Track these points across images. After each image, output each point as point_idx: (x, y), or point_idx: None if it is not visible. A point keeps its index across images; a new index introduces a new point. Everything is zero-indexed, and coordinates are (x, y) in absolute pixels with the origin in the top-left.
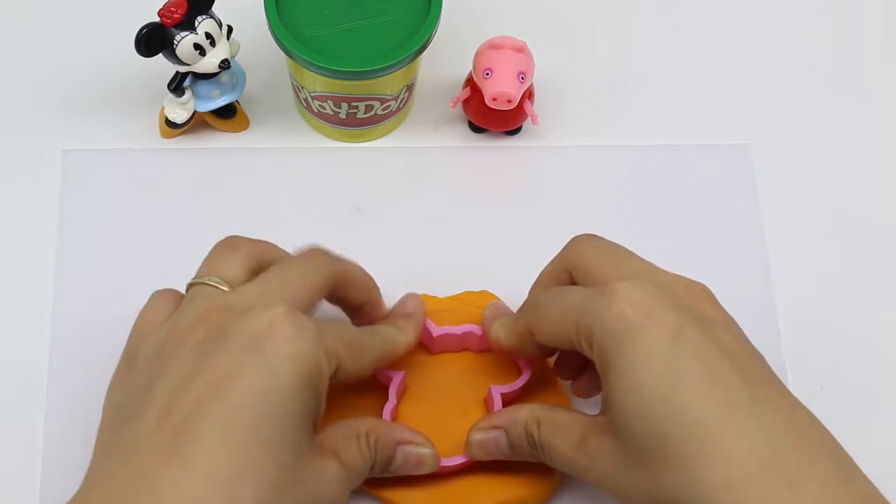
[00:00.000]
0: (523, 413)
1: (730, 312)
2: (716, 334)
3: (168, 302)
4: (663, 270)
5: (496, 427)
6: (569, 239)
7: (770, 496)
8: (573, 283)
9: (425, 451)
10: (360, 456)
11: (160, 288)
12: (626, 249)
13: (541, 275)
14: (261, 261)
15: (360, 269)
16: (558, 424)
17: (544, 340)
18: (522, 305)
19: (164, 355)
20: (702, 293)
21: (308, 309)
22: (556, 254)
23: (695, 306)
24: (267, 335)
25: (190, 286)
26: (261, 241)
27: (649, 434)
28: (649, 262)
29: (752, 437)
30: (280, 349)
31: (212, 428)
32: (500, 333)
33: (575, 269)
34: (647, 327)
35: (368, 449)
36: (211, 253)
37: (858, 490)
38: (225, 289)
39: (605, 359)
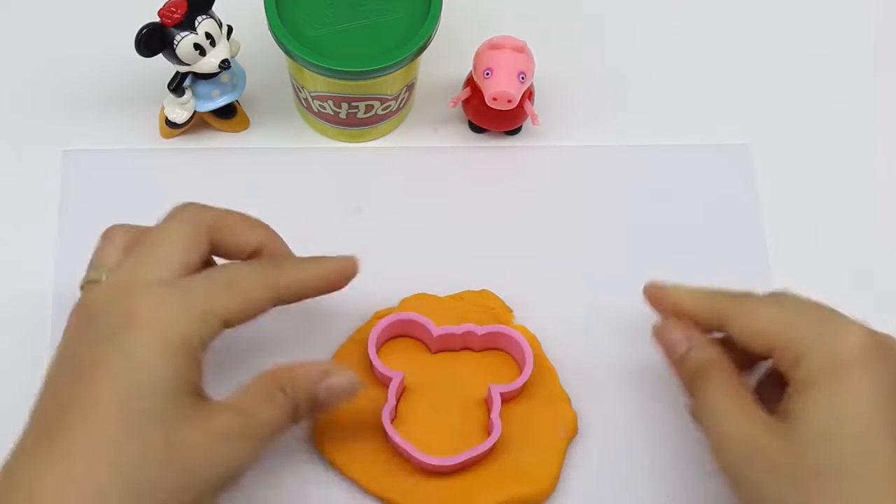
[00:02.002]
0: (710, 353)
1: None
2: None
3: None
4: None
5: (689, 337)
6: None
7: None
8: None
9: (347, 374)
10: (274, 408)
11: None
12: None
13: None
14: (137, 238)
15: (240, 213)
16: (732, 386)
17: (738, 330)
18: (723, 289)
19: (55, 351)
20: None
21: (184, 267)
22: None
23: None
24: (124, 324)
25: (80, 289)
26: (137, 226)
27: (830, 462)
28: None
29: None
30: (135, 336)
31: (75, 417)
32: (684, 296)
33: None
34: (868, 371)
35: (284, 398)
36: (94, 250)
37: None
38: (100, 276)
39: (814, 380)
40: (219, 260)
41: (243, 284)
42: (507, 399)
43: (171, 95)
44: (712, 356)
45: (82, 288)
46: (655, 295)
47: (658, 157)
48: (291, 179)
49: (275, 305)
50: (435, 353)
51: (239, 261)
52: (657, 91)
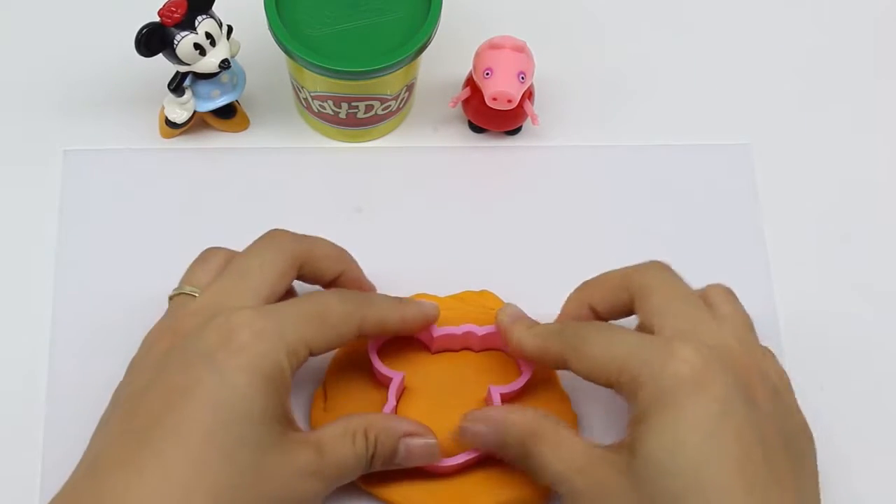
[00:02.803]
0: (524, 418)
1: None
2: (759, 420)
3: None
4: (724, 329)
5: (491, 421)
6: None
7: None
8: (628, 305)
9: (430, 440)
10: (353, 452)
11: (159, 287)
12: (696, 296)
13: (595, 281)
14: (230, 263)
15: (329, 243)
16: (561, 444)
17: (577, 370)
18: (563, 325)
19: (133, 367)
20: (760, 359)
21: (273, 295)
22: (615, 268)
23: (747, 381)
24: (220, 347)
25: (169, 298)
26: (235, 251)
27: (670, 495)
28: (711, 316)
29: None
30: (232, 361)
31: (166, 437)
32: (527, 341)
33: (640, 294)
34: (698, 394)
35: (365, 445)
36: (188, 267)
37: None
38: (195, 291)
39: (648, 411)
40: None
41: (334, 318)
42: (506, 400)
43: (171, 95)
44: (524, 428)
45: (171, 299)
46: (502, 335)
47: (658, 157)
48: (291, 179)
49: (357, 338)
50: (435, 353)
51: (327, 290)
52: (657, 91)
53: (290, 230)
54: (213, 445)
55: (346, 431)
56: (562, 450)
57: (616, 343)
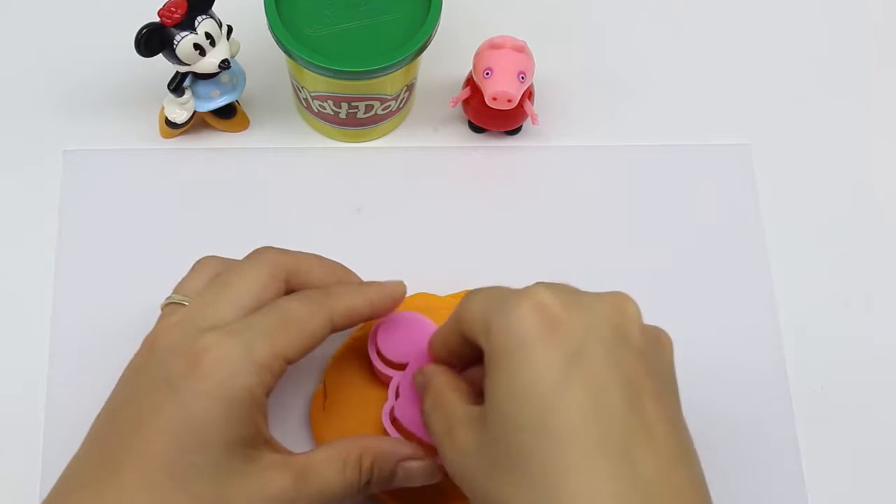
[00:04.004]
0: (436, 380)
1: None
2: (623, 360)
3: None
4: (595, 292)
5: (421, 375)
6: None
7: None
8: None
9: (429, 462)
10: (342, 479)
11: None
12: None
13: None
14: (220, 273)
15: (318, 257)
16: (443, 401)
17: (463, 329)
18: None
19: (120, 378)
20: (630, 312)
21: (257, 306)
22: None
23: (614, 325)
24: (184, 373)
25: (161, 307)
26: (228, 259)
27: (515, 449)
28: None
29: (614, 486)
30: (194, 387)
31: (127, 461)
32: (434, 338)
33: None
34: (547, 339)
35: (359, 473)
36: (184, 277)
37: None
38: (186, 303)
39: (496, 358)
40: None
41: (301, 320)
42: None
43: (171, 95)
44: (430, 384)
45: (162, 308)
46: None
47: (658, 157)
48: (291, 179)
49: (331, 333)
50: None
51: (288, 295)
52: (657, 91)
53: (278, 246)
54: (171, 473)
55: (338, 457)
56: (444, 410)
57: (490, 295)
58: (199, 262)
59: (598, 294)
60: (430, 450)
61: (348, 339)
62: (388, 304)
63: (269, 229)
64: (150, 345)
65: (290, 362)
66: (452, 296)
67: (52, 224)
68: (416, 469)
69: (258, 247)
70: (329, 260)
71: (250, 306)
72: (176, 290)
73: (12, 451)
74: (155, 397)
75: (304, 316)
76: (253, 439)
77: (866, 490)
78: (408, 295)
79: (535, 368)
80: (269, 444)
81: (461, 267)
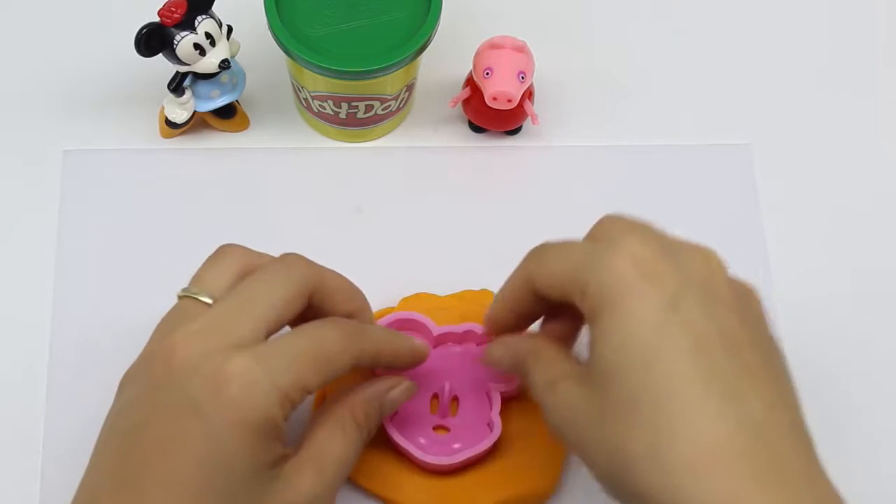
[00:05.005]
0: (531, 340)
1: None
2: (716, 311)
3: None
4: (681, 238)
5: (504, 343)
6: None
7: (733, 486)
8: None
9: (406, 384)
10: (347, 442)
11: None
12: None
13: (542, 258)
14: (248, 269)
15: (343, 278)
16: (548, 361)
17: (541, 288)
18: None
19: (130, 383)
20: (716, 266)
21: (279, 323)
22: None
23: (703, 278)
24: (210, 398)
25: (178, 297)
26: (250, 251)
27: (624, 396)
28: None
29: (725, 425)
30: (221, 415)
31: (155, 486)
32: (497, 306)
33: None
34: (645, 289)
35: (357, 428)
36: (203, 263)
37: (821, 493)
38: (208, 301)
39: (597, 313)
40: None
41: (332, 355)
42: (507, 398)
43: (171, 95)
44: (526, 347)
45: (179, 297)
46: (487, 328)
47: (658, 157)
48: (291, 179)
49: (349, 371)
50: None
51: (325, 321)
52: (657, 91)
53: (305, 256)
54: (200, 500)
55: (335, 426)
56: (546, 366)
57: (571, 250)
58: (222, 251)
59: (685, 244)
60: (420, 465)
61: None
62: (409, 363)
63: (270, 229)
64: (170, 355)
65: (308, 393)
66: (452, 296)
67: (52, 224)
68: (397, 395)
69: (287, 253)
70: (353, 284)
71: (274, 323)
72: (195, 281)
73: (12, 451)
74: (180, 422)
75: (335, 351)
76: (275, 461)
77: (866, 490)
78: (408, 295)
79: (637, 318)
80: (287, 455)
81: (461, 267)
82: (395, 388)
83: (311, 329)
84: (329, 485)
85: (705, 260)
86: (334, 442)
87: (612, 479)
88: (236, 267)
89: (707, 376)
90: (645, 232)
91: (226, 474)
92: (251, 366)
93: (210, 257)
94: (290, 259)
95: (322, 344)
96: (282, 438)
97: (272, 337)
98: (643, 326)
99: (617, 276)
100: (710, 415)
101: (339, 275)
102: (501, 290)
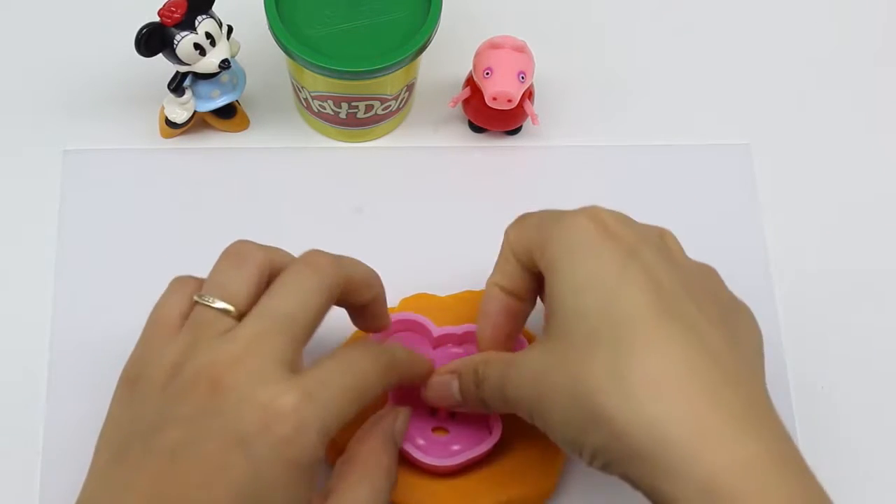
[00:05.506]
0: (477, 357)
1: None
2: (674, 266)
3: (184, 296)
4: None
5: (451, 371)
6: None
7: (691, 403)
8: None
9: (403, 413)
10: (377, 491)
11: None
12: None
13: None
14: (271, 271)
15: (363, 266)
16: (496, 358)
17: (516, 252)
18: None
19: (162, 405)
20: (672, 241)
21: (311, 335)
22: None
23: (660, 243)
24: (259, 434)
25: (196, 303)
26: (269, 249)
27: (585, 333)
28: None
29: (684, 348)
30: (270, 453)
31: None
32: (493, 279)
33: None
34: (604, 241)
35: (386, 475)
36: (220, 262)
37: (775, 422)
38: (231, 310)
39: (556, 264)
40: None
41: (368, 385)
42: None
43: (171, 95)
44: (474, 360)
45: (196, 303)
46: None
47: (658, 157)
48: (291, 179)
49: None
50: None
51: (361, 352)
52: (657, 91)
53: (326, 251)
54: None
55: (362, 476)
56: (499, 359)
57: (540, 214)
58: (239, 251)
59: (646, 224)
60: (419, 467)
61: (350, 339)
62: (423, 380)
63: (270, 229)
64: (217, 381)
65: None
66: (452, 296)
67: (52, 224)
68: (402, 426)
69: (310, 251)
70: (370, 269)
71: (308, 337)
72: (215, 287)
73: (12, 451)
74: (226, 453)
75: (373, 383)
76: (311, 498)
77: (867, 490)
78: (408, 295)
79: (596, 262)
80: (313, 501)
81: (461, 267)
82: (398, 420)
83: (351, 361)
84: None
85: (663, 234)
86: (361, 492)
87: (574, 416)
88: (257, 271)
89: (667, 311)
90: (609, 209)
91: None
92: (302, 403)
93: (226, 257)
94: (318, 262)
95: (364, 377)
96: (317, 477)
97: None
98: (603, 269)
99: (577, 231)
100: (669, 339)
101: (359, 263)
102: (495, 267)
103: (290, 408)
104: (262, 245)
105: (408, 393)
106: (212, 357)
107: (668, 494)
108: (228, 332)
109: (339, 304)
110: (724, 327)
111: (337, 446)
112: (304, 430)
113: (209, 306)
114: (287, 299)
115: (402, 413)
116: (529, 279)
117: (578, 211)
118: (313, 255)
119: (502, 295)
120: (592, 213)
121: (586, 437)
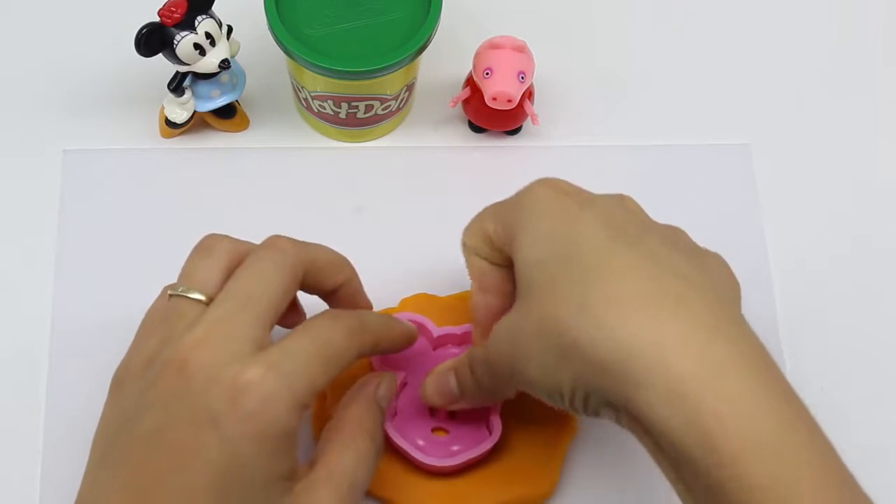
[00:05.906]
0: (474, 350)
1: None
2: (631, 212)
3: (166, 297)
4: None
5: (448, 369)
6: None
7: (659, 322)
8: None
9: (386, 378)
10: (363, 456)
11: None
12: None
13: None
14: (239, 259)
15: (330, 251)
16: (466, 359)
17: (480, 252)
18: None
19: (140, 397)
20: (631, 202)
21: (277, 316)
22: None
23: (620, 201)
24: (228, 411)
25: (170, 296)
26: (236, 240)
27: (550, 278)
28: None
29: (650, 271)
30: (239, 428)
31: (170, 499)
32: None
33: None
34: (560, 198)
35: (371, 439)
36: (189, 256)
37: (746, 333)
38: (201, 298)
39: (515, 228)
40: None
41: (338, 354)
42: (506, 400)
43: (171, 95)
44: (474, 353)
45: (170, 296)
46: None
47: (658, 157)
48: (291, 179)
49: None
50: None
51: (327, 320)
52: (657, 91)
53: (290, 236)
54: None
55: (347, 441)
56: (466, 364)
57: (486, 210)
58: (207, 243)
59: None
60: (419, 467)
61: None
62: (403, 345)
63: (269, 229)
64: (183, 365)
65: (319, 393)
66: (452, 296)
67: (52, 224)
68: (385, 392)
69: (272, 236)
70: (339, 254)
71: (275, 317)
72: (185, 278)
73: (12, 451)
74: (198, 434)
75: (342, 349)
76: (290, 472)
77: (866, 490)
78: (408, 295)
79: (553, 216)
80: (299, 469)
81: (461, 267)
82: (381, 386)
83: (315, 329)
84: (345, 502)
85: (622, 196)
86: (347, 458)
87: (548, 359)
88: (225, 260)
89: (626, 240)
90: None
91: (242, 487)
92: (266, 375)
93: (196, 251)
94: (278, 244)
95: (329, 344)
96: (295, 446)
97: (276, 333)
98: (559, 219)
99: (533, 197)
100: (631, 264)
101: (325, 248)
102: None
103: (254, 381)
104: (230, 237)
105: (408, 394)
106: (181, 342)
107: (642, 409)
108: (196, 318)
109: (310, 290)
110: (693, 260)
111: (323, 417)
112: (270, 401)
113: (181, 296)
114: (249, 280)
115: (387, 378)
116: (505, 273)
117: (532, 183)
118: (274, 239)
119: (486, 297)
120: (546, 181)
121: (563, 374)
